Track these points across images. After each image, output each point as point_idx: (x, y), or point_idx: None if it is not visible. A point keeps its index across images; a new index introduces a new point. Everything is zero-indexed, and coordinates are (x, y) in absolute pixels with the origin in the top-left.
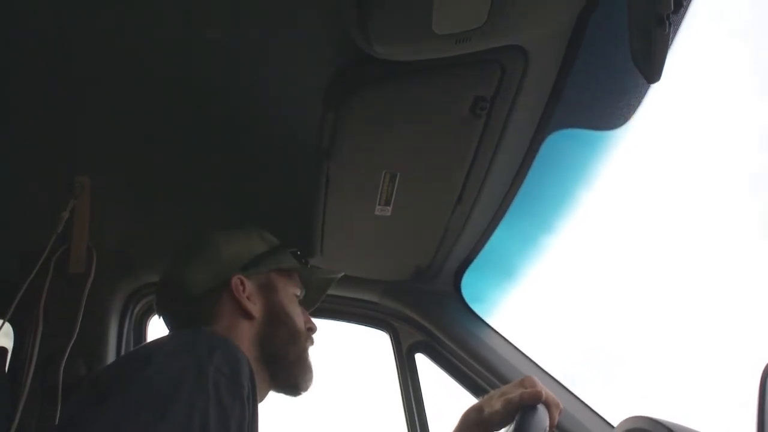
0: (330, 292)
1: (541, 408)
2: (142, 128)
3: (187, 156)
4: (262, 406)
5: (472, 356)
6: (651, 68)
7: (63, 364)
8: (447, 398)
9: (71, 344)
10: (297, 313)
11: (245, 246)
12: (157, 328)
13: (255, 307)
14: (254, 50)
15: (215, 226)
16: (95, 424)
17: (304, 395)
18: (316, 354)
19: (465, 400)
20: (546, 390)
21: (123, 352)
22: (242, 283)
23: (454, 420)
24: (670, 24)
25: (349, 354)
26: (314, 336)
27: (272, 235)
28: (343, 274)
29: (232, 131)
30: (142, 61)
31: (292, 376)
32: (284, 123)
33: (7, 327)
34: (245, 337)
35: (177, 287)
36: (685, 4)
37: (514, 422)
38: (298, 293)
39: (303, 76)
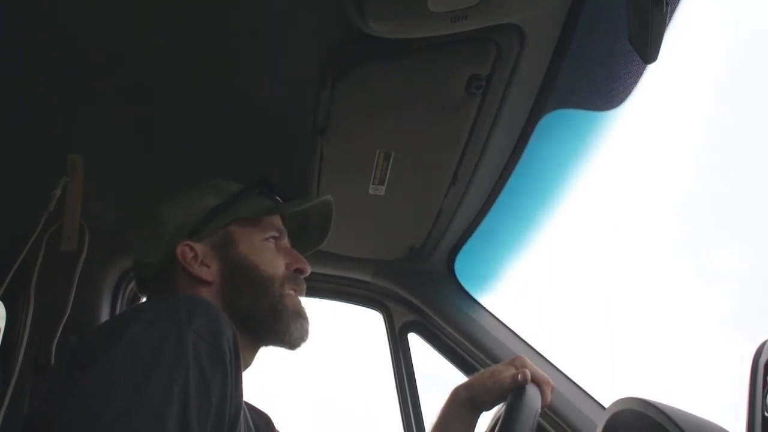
0: (322, 271)
1: (533, 389)
2: (136, 106)
3: (181, 134)
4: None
5: (465, 336)
6: (648, 48)
7: (55, 342)
8: (439, 377)
9: (63, 322)
10: (266, 260)
11: (192, 208)
12: None
13: (209, 271)
14: (249, 27)
15: None
16: (72, 395)
17: (300, 353)
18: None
19: (457, 379)
20: (538, 370)
21: None
22: (191, 249)
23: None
24: (667, 4)
25: (342, 333)
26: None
27: (235, 182)
28: (329, 197)
29: (226, 109)
30: (136, 39)
31: (276, 330)
32: (279, 101)
33: None
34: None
35: (137, 271)
36: None
37: (507, 403)
38: (275, 234)
39: (298, 53)
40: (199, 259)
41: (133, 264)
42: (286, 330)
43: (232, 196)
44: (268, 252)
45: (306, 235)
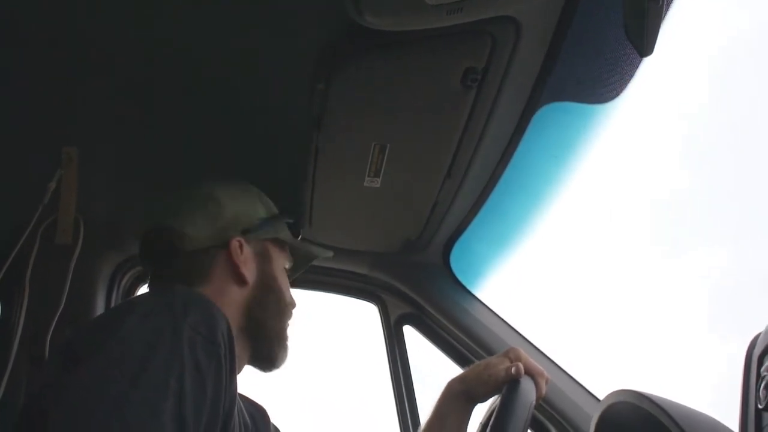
0: (318, 263)
1: (527, 381)
2: (131, 99)
3: (176, 127)
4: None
5: (461, 329)
6: (643, 41)
7: (49, 335)
8: (434, 370)
9: (58, 315)
10: (287, 287)
11: (248, 208)
12: None
13: (249, 274)
14: (245, 20)
15: None
16: (67, 389)
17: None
18: (305, 325)
19: (452, 371)
20: (532, 362)
21: None
22: (240, 246)
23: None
24: None
25: (337, 325)
26: (294, 312)
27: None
28: (332, 254)
29: (222, 102)
30: (131, 34)
31: (273, 350)
32: (274, 93)
33: None
34: (234, 302)
35: (173, 238)
36: None
37: (501, 396)
38: (287, 266)
39: (293, 46)
40: (243, 259)
41: (155, 230)
42: (279, 354)
43: (276, 215)
44: (287, 280)
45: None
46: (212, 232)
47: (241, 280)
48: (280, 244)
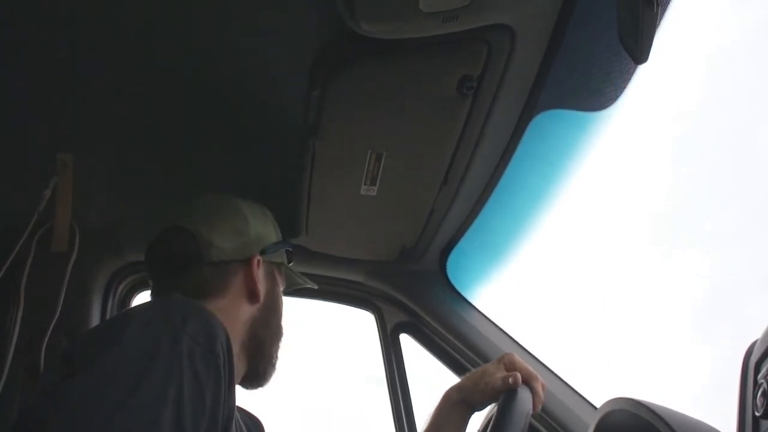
0: (314, 272)
1: (524, 391)
2: (127, 106)
3: (172, 134)
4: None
5: (458, 337)
6: (638, 49)
7: (45, 344)
8: (431, 378)
9: (53, 323)
10: (283, 312)
11: (267, 230)
12: None
13: (262, 292)
14: (240, 26)
15: None
16: (66, 397)
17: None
18: (302, 334)
19: (449, 379)
20: (527, 368)
21: None
22: (258, 264)
23: (437, 399)
24: (658, 4)
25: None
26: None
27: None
28: (317, 287)
29: (218, 109)
30: (127, 38)
31: (267, 369)
32: (270, 100)
33: None
34: (242, 318)
35: (200, 245)
36: None
37: (498, 404)
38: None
39: (289, 53)
40: (259, 278)
41: (183, 228)
42: (268, 373)
43: (283, 241)
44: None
45: None
46: (238, 247)
47: (254, 297)
48: (281, 268)
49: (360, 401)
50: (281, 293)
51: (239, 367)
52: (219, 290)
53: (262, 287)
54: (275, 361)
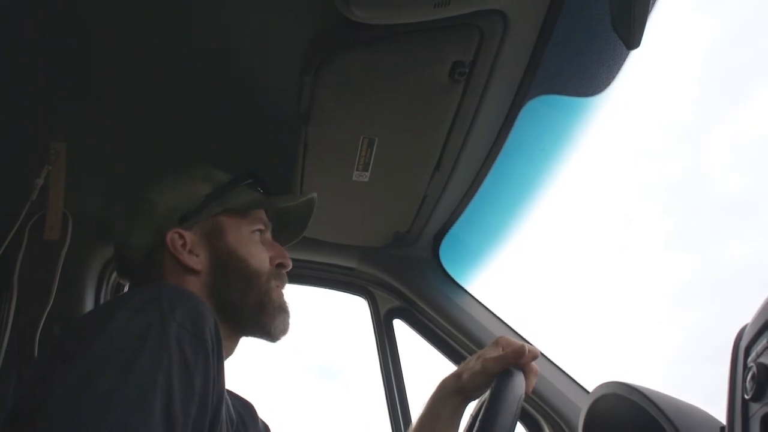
0: (307, 257)
1: (518, 375)
2: (118, 94)
3: (165, 121)
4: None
5: (450, 322)
6: (630, 34)
7: (39, 332)
8: (425, 363)
9: (47, 312)
10: (253, 253)
11: (183, 195)
12: None
13: (197, 260)
14: (233, 13)
15: None
16: (56, 385)
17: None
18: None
19: (442, 365)
20: (522, 345)
21: None
22: (181, 236)
23: (432, 386)
24: None
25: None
26: (286, 272)
27: (224, 172)
28: (314, 195)
29: (210, 96)
30: (121, 28)
31: (261, 323)
32: (263, 87)
33: None
34: (197, 292)
35: (122, 254)
36: None
37: (491, 388)
38: (261, 228)
39: (281, 39)
40: (188, 248)
41: (115, 246)
42: (271, 323)
43: (222, 185)
44: (256, 245)
45: (285, 228)
46: (151, 235)
47: (191, 270)
48: (238, 212)
49: (354, 388)
50: (239, 240)
51: (226, 336)
52: (158, 278)
53: (197, 254)
54: (270, 309)
